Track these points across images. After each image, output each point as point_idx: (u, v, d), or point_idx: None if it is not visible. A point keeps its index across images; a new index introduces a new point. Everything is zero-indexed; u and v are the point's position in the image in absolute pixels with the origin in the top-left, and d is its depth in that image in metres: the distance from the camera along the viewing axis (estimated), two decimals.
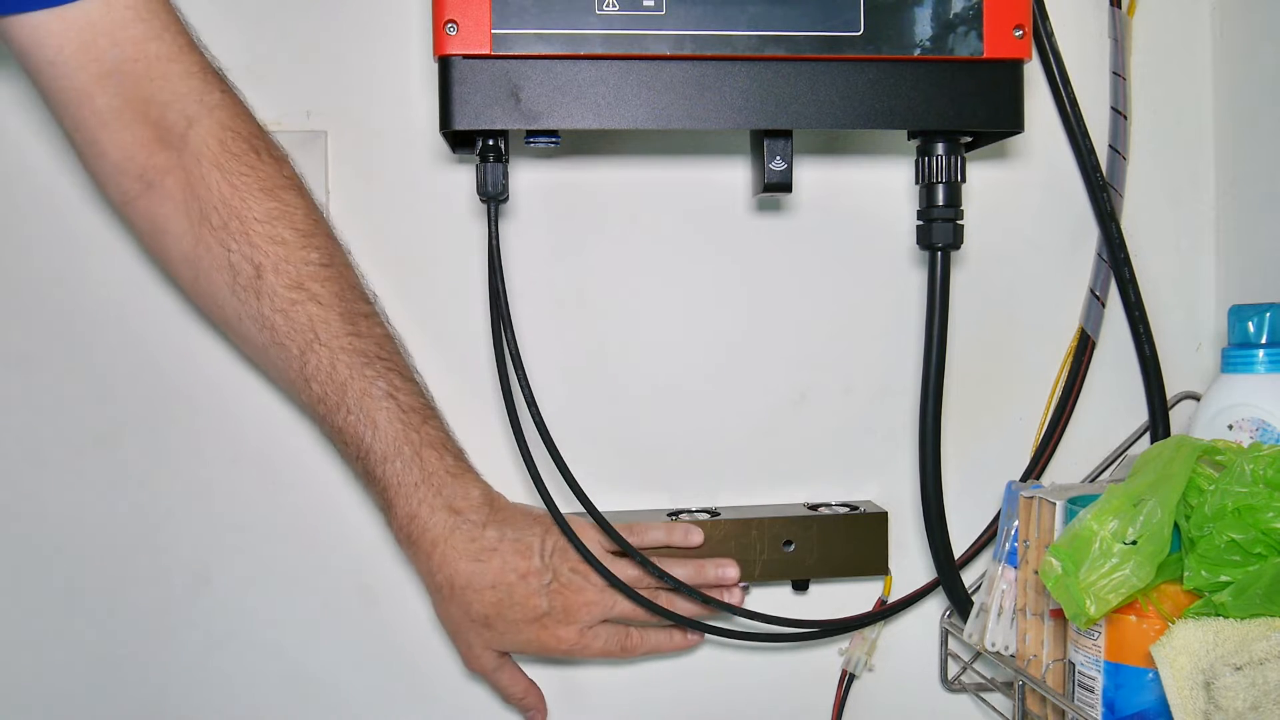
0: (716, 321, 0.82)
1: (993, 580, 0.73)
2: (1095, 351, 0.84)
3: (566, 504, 0.72)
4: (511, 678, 0.77)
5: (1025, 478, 0.84)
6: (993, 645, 0.72)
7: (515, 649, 0.75)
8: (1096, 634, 0.62)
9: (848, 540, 0.79)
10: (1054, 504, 0.68)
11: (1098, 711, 0.62)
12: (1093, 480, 0.84)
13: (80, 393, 0.78)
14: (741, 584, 0.78)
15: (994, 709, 0.83)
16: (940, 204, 0.68)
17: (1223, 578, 0.56)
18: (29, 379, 0.78)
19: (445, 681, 0.81)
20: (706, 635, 0.80)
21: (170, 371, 0.78)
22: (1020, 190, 0.84)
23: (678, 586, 0.74)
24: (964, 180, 0.68)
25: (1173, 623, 0.57)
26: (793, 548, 0.79)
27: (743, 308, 0.82)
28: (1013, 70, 0.66)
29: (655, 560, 0.74)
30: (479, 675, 0.78)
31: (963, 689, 0.84)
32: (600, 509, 0.72)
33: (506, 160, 0.67)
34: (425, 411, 0.71)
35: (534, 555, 0.72)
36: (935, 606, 0.84)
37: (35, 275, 0.77)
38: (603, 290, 0.81)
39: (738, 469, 0.83)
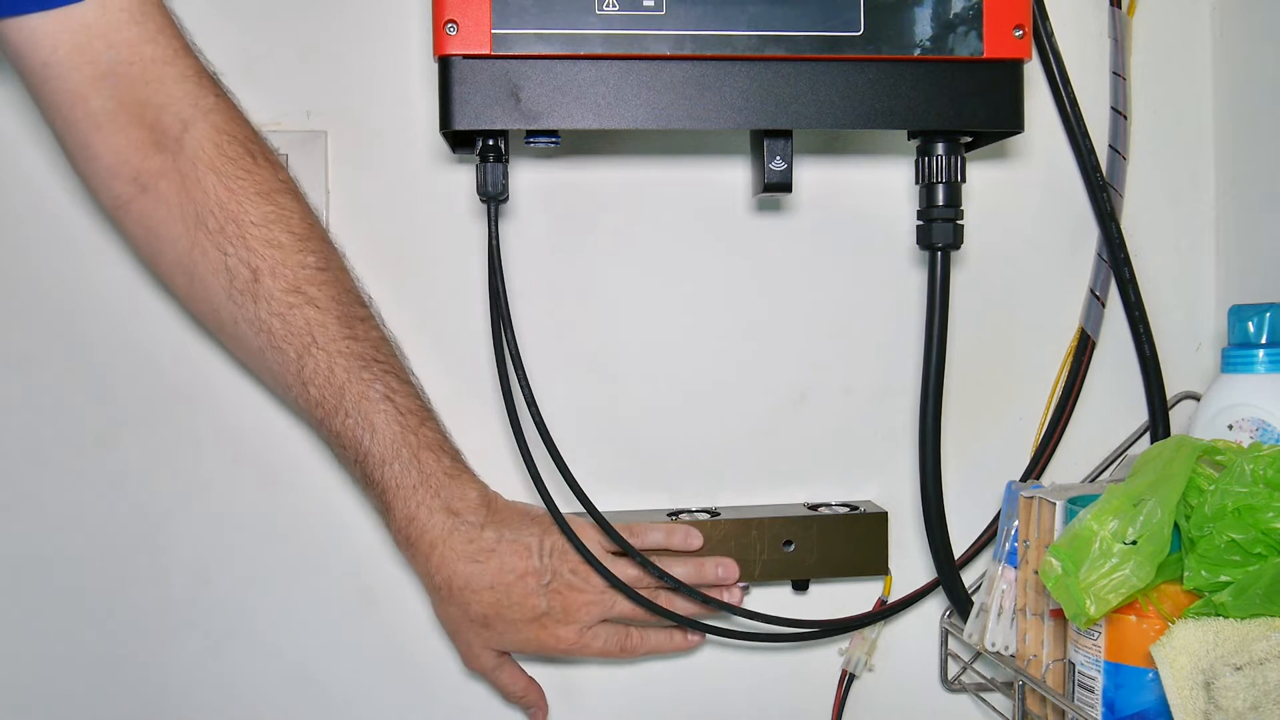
0: (717, 321, 0.82)
1: (993, 580, 0.73)
2: (1095, 351, 0.84)
3: (566, 504, 0.72)
4: (511, 676, 0.77)
5: (1025, 478, 0.84)
6: (993, 645, 0.72)
7: (514, 648, 0.75)
8: (1096, 634, 0.62)
9: (848, 540, 0.79)
10: (1054, 504, 0.68)
11: (1098, 711, 0.62)
12: (1093, 480, 0.84)
13: (80, 393, 0.78)
14: (741, 584, 0.78)
15: (994, 709, 0.83)
16: (940, 204, 0.68)
17: (1223, 578, 0.56)
18: (29, 379, 0.78)
19: (445, 681, 0.81)
20: (706, 635, 0.80)
21: (170, 371, 0.78)
22: (1020, 190, 0.84)
23: (678, 587, 0.74)
24: (964, 180, 0.68)
25: (1173, 623, 0.57)
26: (793, 548, 0.79)
27: (743, 307, 0.82)
28: (1013, 70, 0.66)
29: (655, 561, 0.74)
30: (479, 675, 0.78)
31: (963, 689, 0.84)
32: (600, 509, 0.72)
33: (506, 160, 0.67)
34: (422, 414, 0.71)
35: (532, 555, 0.72)
36: (935, 606, 0.84)
37: (35, 276, 0.77)
38: (603, 290, 0.81)
39: (738, 469, 0.83)
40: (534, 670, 0.80)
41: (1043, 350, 0.85)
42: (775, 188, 0.70)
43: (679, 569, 0.75)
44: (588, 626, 0.74)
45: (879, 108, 0.65)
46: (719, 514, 0.79)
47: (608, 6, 0.62)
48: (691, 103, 0.64)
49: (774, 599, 0.83)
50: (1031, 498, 0.71)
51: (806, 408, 0.83)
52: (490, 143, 0.67)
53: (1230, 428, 0.68)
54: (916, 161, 0.69)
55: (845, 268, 0.83)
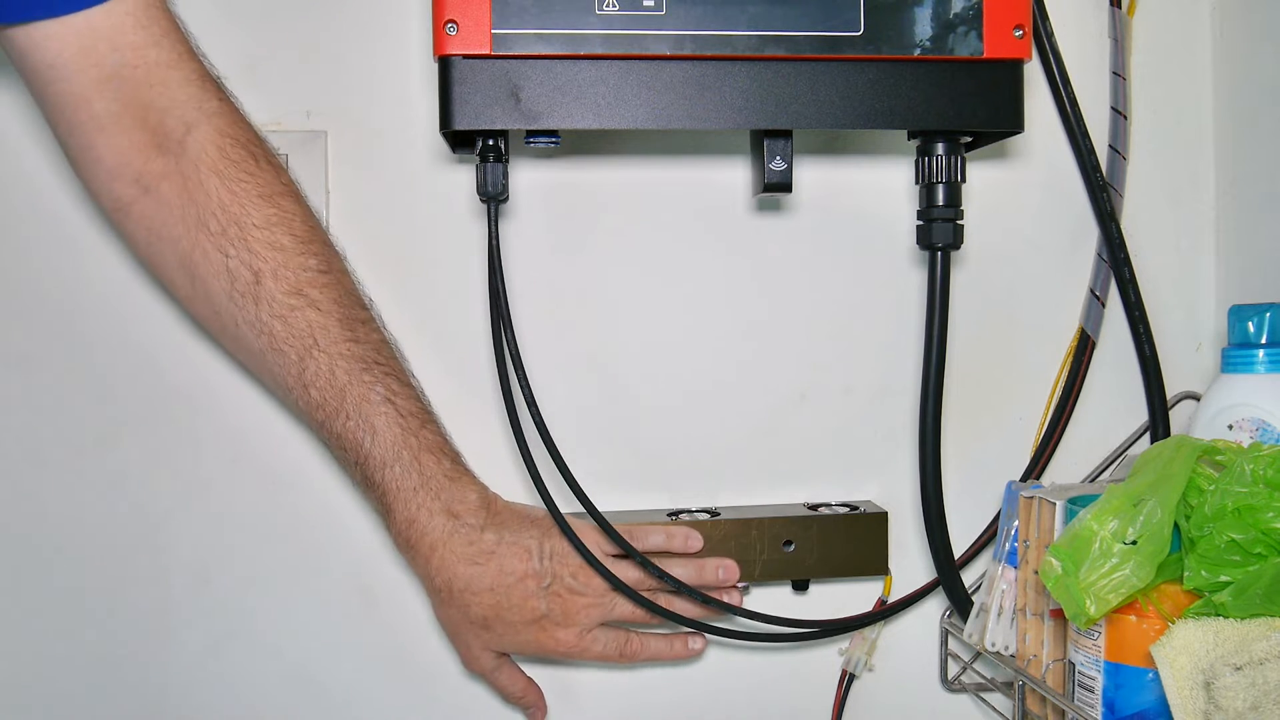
0: (716, 321, 0.82)
1: (993, 580, 0.73)
2: (1095, 351, 0.84)
3: (566, 504, 0.72)
4: (510, 678, 0.77)
5: (1025, 478, 0.84)
6: (993, 645, 0.72)
7: (514, 650, 0.75)
8: (1096, 634, 0.62)
9: (848, 540, 0.79)
10: (1054, 504, 0.68)
11: (1098, 711, 0.62)
12: (1093, 480, 0.84)
13: (80, 393, 0.78)
14: (741, 584, 0.78)
15: (994, 709, 0.83)
16: (940, 204, 0.68)
17: (1223, 578, 0.56)
18: (29, 379, 0.78)
19: (445, 682, 0.81)
20: (708, 642, 0.80)
21: (170, 372, 0.78)
22: (1020, 190, 0.84)
23: (679, 588, 0.74)
24: (964, 180, 0.68)
25: (1173, 623, 0.57)
26: (793, 548, 0.79)
27: (743, 307, 0.82)
28: (1013, 70, 0.66)
29: (655, 563, 0.74)
30: (478, 676, 0.78)
31: (963, 689, 0.84)
32: (600, 509, 0.72)
33: (506, 160, 0.67)
34: (423, 416, 0.71)
35: (532, 558, 0.72)
36: (935, 606, 0.84)
37: (35, 276, 0.77)
38: (603, 290, 0.81)
39: (738, 469, 0.83)
40: (533, 671, 0.80)
41: (1043, 350, 0.85)
42: (775, 188, 0.70)
43: (679, 570, 0.75)
44: (587, 630, 0.74)
45: (879, 108, 0.65)
46: (719, 514, 0.79)
47: (608, 6, 0.62)
48: (691, 103, 0.64)
49: (774, 599, 0.83)
50: (1031, 498, 0.71)
51: (806, 408, 0.83)
52: (490, 143, 0.67)
53: (1230, 428, 0.68)
54: (916, 161, 0.69)
55: (845, 268, 0.83)
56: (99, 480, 0.78)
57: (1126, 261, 0.82)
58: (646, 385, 0.82)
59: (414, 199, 0.80)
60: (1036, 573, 0.68)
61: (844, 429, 0.84)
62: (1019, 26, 0.65)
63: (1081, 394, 0.84)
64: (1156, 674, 0.57)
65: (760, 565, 0.78)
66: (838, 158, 0.83)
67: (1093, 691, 0.62)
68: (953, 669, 0.84)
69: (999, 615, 0.72)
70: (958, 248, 0.69)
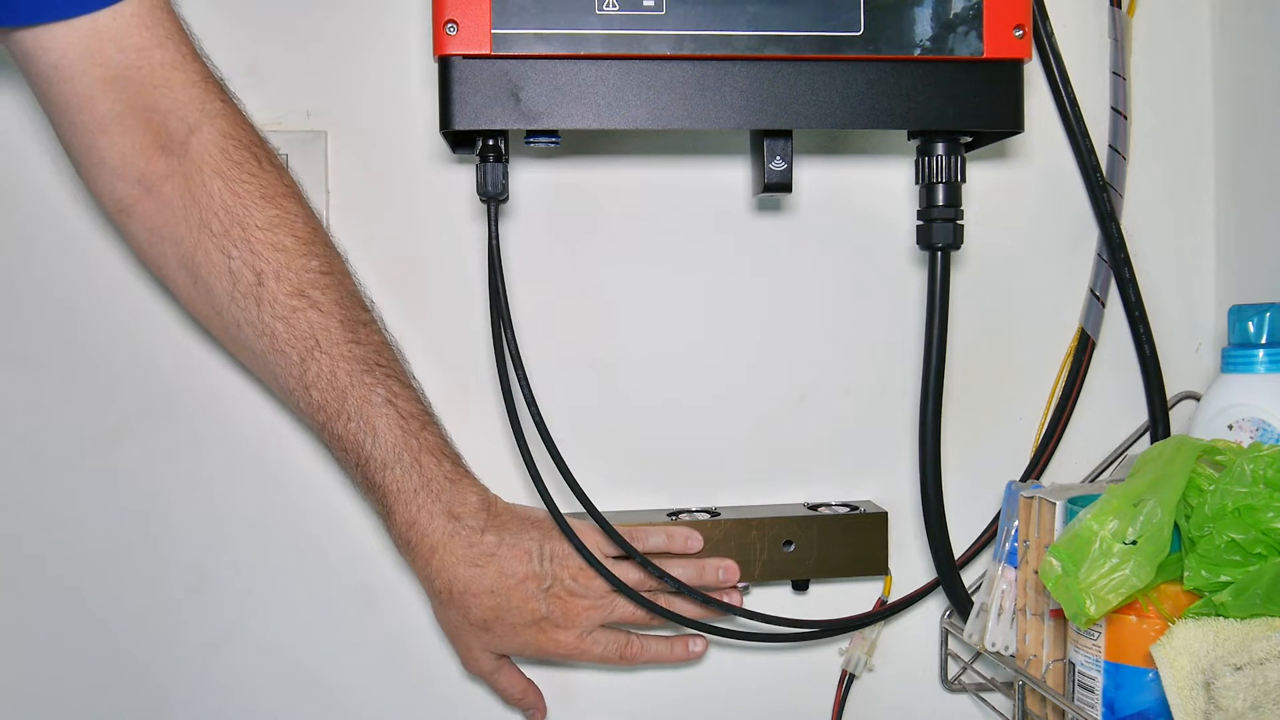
0: (716, 321, 0.82)
1: (993, 580, 0.73)
2: (1095, 351, 0.84)
3: (566, 504, 0.72)
4: (510, 679, 0.77)
5: (1025, 478, 0.84)
6: (993, 645, 0.72)
7: (514, 652, 0.75)
8: (1096, 634, 0.62)
9: (848, 540, 0.79)
10: (1054, 504, 0.68)
11: (1098, 711, 0.62)
12: (1093, 480, 0.84)
13: (80, 393, 0.78)
14: (741, 584, 0.78)
15: (994, 709, 0.83)
16: (940, 204, 0.68)
17: (1223, 578, 0.56)
18: (29, 379, 0.78)
19: (445, 681, 0.81)
20: (709, 645, 0.80)
21: (170, 372, 0.78)
22: (1020, 190, 0.84)
23: (679, 588, 0.74)
24: (964, 180, 0.68)
25: (1173, 623, 0.57)
26: (793, 548, 0.79)
27: (742, 307, 0.82)
28: (1013, 70, 0.66)
29: (655, 564, 0.74)
30: (478, 677, 0.78)
31: (963, 689, 0.84)
32: (600, 509, 0.72)
33: (506, 160, 0.67)
34: (424, 418, 0.72)
35: (532, 560, 0.72)
36: (935, 606, 0.84)
37: (36, 276, 0.77)
38: (603, 290, 0.81)
39: (738, 469, 0.83)
40: (533, 673, 0.80)
41: (1043, 350, 0.85)
42: (775, 188, 0.70)
43: (680, 571, 0.75)
44: (587, 631, 0.74)
45: (879, 108, 0.65)
46: (719, 514, 0.79)
47: (608, 6, 0.62)
48: (691, 103, 0.64)
49: (774, 599, 0.83)
50: (1031, 498, 0.70)
51: (806, 408, 0.83)
52: (490, 143, 0.67)
53: (1230, 428, 0.68)
54: (916, 161, 0.69)
55: (845, 268, 0.83)
56: (99, 480, 0.78)
57: (1126, 261, 0.82)
58: (646, 385, 0.82)
59: (414, 199, 0.80)
60: (1036, 573, 0.68)
61: (844, 429, 0.84)
62: (1019, 26, 0.65)
63: (1081, 394, 0.84)
64: (1156, 674, 0.57)
65: (760, 565, 0.78)
66: (838, 158, 0.83)
67: (1093, 691, 0.62)
68: (953, 669, 0.84)
69: (999, 615, 0.72)
70: (958, 248, 0.69)
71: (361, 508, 0.79)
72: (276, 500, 0.80)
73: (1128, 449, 0.84)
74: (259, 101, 0.75)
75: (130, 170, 0.66)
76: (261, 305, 0.67)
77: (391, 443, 0.69)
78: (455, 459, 0.73)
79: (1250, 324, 0.69)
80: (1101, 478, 0.84)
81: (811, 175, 0.82)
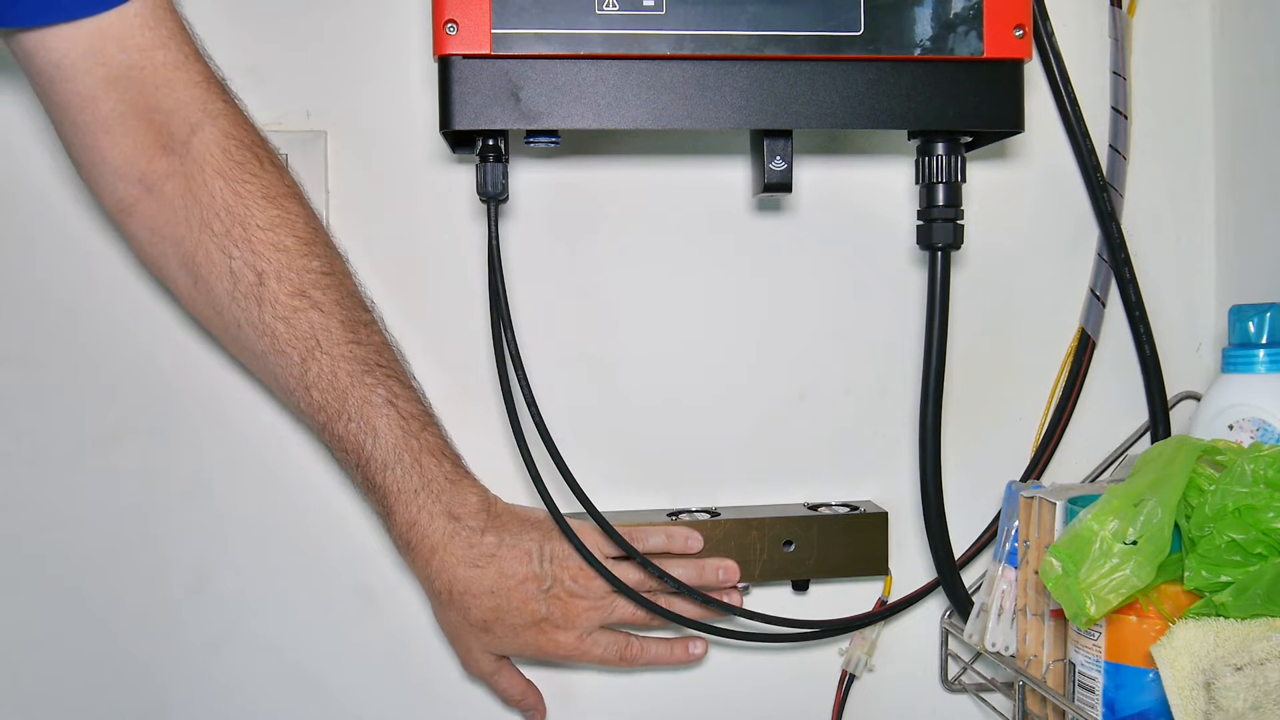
0: (717, 321, 0.82)
1: (993, 580, 0.73)
2: (1095, 351, 0.84)
3: (566, 504, 0.72)
4: (510, 680, 0.77)
5: (1025, 478, 0.84)
6: (993, 645, 0.72)
7: (514, 653, 0.75)
8: (1097, 634, 0.62)
9: (848, 540, 0.79)
10: (1054, 504, 0.68)
11: (1098, 712, 0.62)
12: (1093, 480, 0.84)
13: (81, 393, 0.78)
14: (741, 584, 0.78)
15: (994, 709, 0.83)
16: (940, 204, 0.68)
17: (1223, 578, 0.56)
18: (29, 379, 0.78)
19: (445, 682, 0.81)
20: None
21: (170, 372, 0.78)
22: (1020, 190, 0.84)
23: (679, 589, 0.74)
24: (964, 180, 0.68)
25: (1173, 623, 0.57)
26: (793, 548, 0.79)
27: (743, 307, 0.82)
28: (1013, 70, 0.66)
29: (655, 564, 0.74)
30: (478, 679, 0.78)
31: (963, 689, 0.84)
32: (600, 509, 0.72)
33: (506, 160, 0.67)
34: (424, 418, 0.72)
35: (532, 560, 0.72)
36: (935, 606, 0.84)
37: (36, 276, 0.77)
38: (603, 290, 0.81)
39: (738, 469, 0.83)
40: (533, 674, 0.80)
41: (1043, 350, 0.85)
42: (775, 188, 0.70)
43: (680, 571, 0.75)
44: (587, 633, 0.74)
45: (879, 108, 0.65)
46: (719, 514, 0.79)
47: (608, 6, 0.62)
48: (691, 103, 0.64)
49: (774, 599, 0.83)
50: (1032, 498, 0.70)
51: (806, 408, 0.83)
52: (490, 143, 0.67)
53: (1230, 428, 0.68)
54: (916, 161, 0.69)
55: (845, 268, 0.83)
56: (99, 480, 0.78)
57: (1126, 261, 0.82)
58: (646, 385, 0.82)
59: (414, 199, 0.80)
60: (1037, 573, 0.68)
61: (844, 429, 0.84)
62: (1019, 26, 0.65)
63: (1081, 394, 0.84)
64: (1157, 674, 0.57)
65: (760, 565, 0.78)
66: (838, 158, 0.83)
67: (1093, 692, 0.62)
68: (953, 669, 0.84)
69: (999, 615, 0.72)
70: (958, 248, 0.69)
71: (361, 508, 0.79)
72: (276, 500, 0.80)
73: (1128, 449, 0.84)
74: (259, 101, 0.75)
75: (132, 170, 0.66)
76: (262, 305, 0.67)
77: (392, 443, 0.69)
78: (455, 460, 0.73)
79: (1250, 324, 0.69)
80: (1102, 478, 0.84)
81: (811, 175, 0.82)
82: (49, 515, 0.78)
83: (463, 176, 0.80)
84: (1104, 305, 0.84)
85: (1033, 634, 0.70)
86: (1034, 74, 0.82)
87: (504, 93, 0.63)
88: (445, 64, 0.63)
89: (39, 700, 0.79)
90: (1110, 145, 0.84)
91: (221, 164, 0.67)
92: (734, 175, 0.82)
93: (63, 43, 0.62)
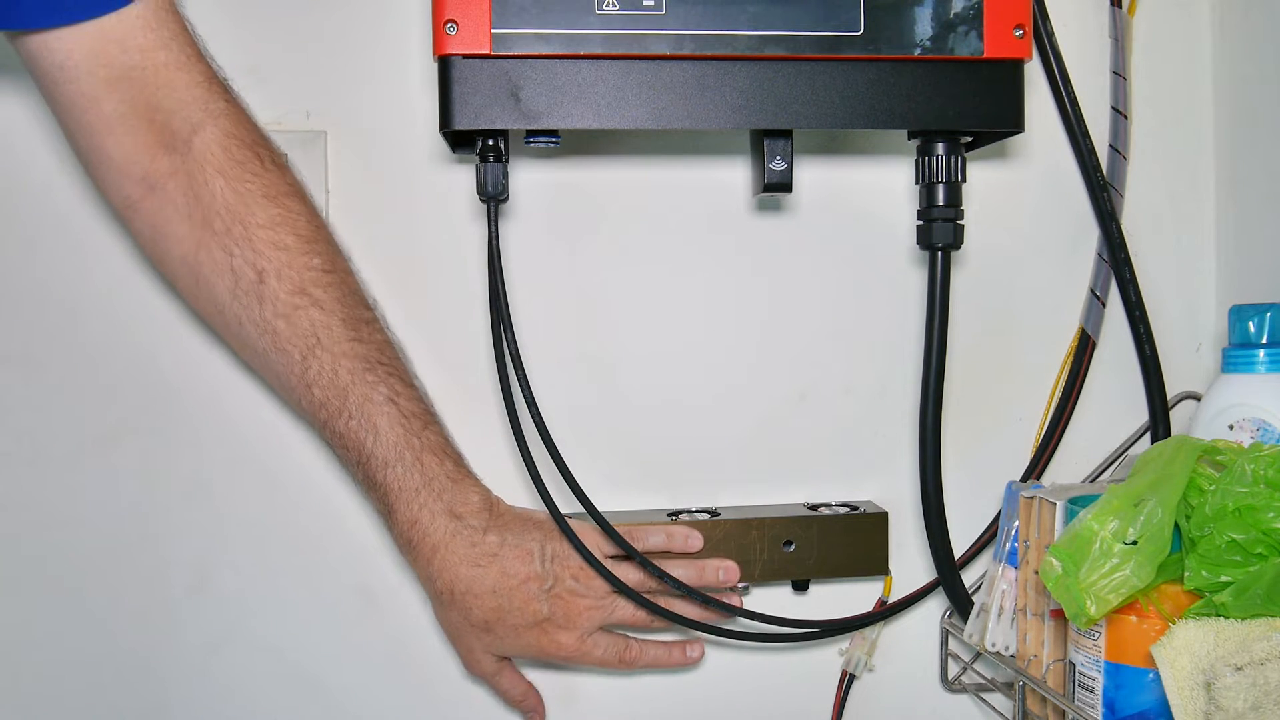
0: (717, 321, 0.82)
1: (993, 580, 0.73)
2: (1095, 351, 0.84)
3: (566, 505, 0.72)
4: (511, 681, 0.77)
5: (1025, 478, 0.84)
6: (993, 645, 0.72)
7: (515, 653, 0.75)
8: (1097, 634, 0.62)
9: (848, 540, 0.79)
10: (1054, 504, 0.68)
11: (1098, 712, 0.62)
12: (1093, 480, 0.84)
13: (80, 393, 0.78)
14: (741, 584, 0.78)
15: (994, 709, 0.83)
16: (940, 204, 0.68)
17: (1223, 578, 0.56)
18: (29, 379, 0.78)
19: (445, 682, 0.81)
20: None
21: (170, 371, 0.78)
22: (1020, 190, 0.84)
23: (679, 589, 0.74)
24: (964, 180, 0.68)
25: (1173, 623, 0.57)
26: (793, 548, 0.79)
27: (743, 307, 0.82)
28: (1013, 70, 0.66)
29: (656, 564, 0.74)
30: (479, 679, 0.78)
31: (963, 689, 0.84)
32: (600, 509, 0.72)
33: (506, 160, 0.67)
34: (426, 417, 0.72)
35: (534, 560, 0.72)
36: (935, 606, 0.84)
37: (37, 275, 0.77)
38: (603, 290, 0.81)
39: (738, 469, 0.83)
40: (533, 675, 0.80)
41: (1043, 350, 0.85)
42: (775, 188, 0.70)
43: (680, 571, 0.75)
44: (588, 633, 0.74)
45: (879, 108, 0.65)
46: (719, 514, 0.79)
47: (608, 6, 0.62)
48: (691, 103, 0.64)
49: (774, 599, 0.83)
50: (1032, 498, 0.70)
51: (806, 408, 0.83)
52: (490, 143, 0.67)
53: (1231, 428, 0.68)
54: (916, 161, 0.69)
55: (845, 268, 0.83)
56: (99, 480, 0.78)
57: (1127, 261, 0.82)
58: (646, 385, 0.82)
59: (414, 199, 0.80)
60: (1037, 573, 0.68)
61: (844, 429, 0.84)
62: (1019, 26, 0.65)
63: (1081, 394, 0.84)
64: (1157, 674, 0.57)
65: (760, 565, 0.78)
66: (838, 158, 0.83)
67: (1093, 692, 0.62)
68: (953, 669, 0.84)
69: (999, 615, 0.72)
70: (958, 248, 0.69)
71: (361, 508, 0.79)
72: (276, 500, 0.80)
73: (1128, 449, 0.84)
74: (259, 101, 0.75)
75: (135, 169, 0.66)
76: (263, 303, 0.67)
77: (393, 441, 0.69)
78: (457, 459, 0.73)
79: (1250, 324, 0.69)
80: (1102, 478, 0.84)
81: (811, 175, 0.82)
82: (49, 515, 0.78)
83: (463, 176, 0.80)
84: (1104, 305, 0.84)
85: (1033, 634, 0.70)
86: (1034, 74, 0.82)
87: (504, 93, 0.63)
88: (445, 64, 0.63)
89: (39, 700, 0.79)
90: (1110, 145, 0.84)
91: (223, 163, 0.67)
92: (734, 175, 0.82)
93: (65, 45, 0.62)
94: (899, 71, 0.65)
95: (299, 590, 0.80)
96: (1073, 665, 0.64)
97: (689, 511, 0.80)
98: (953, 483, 0.75)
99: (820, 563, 0.79)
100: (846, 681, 0.83)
